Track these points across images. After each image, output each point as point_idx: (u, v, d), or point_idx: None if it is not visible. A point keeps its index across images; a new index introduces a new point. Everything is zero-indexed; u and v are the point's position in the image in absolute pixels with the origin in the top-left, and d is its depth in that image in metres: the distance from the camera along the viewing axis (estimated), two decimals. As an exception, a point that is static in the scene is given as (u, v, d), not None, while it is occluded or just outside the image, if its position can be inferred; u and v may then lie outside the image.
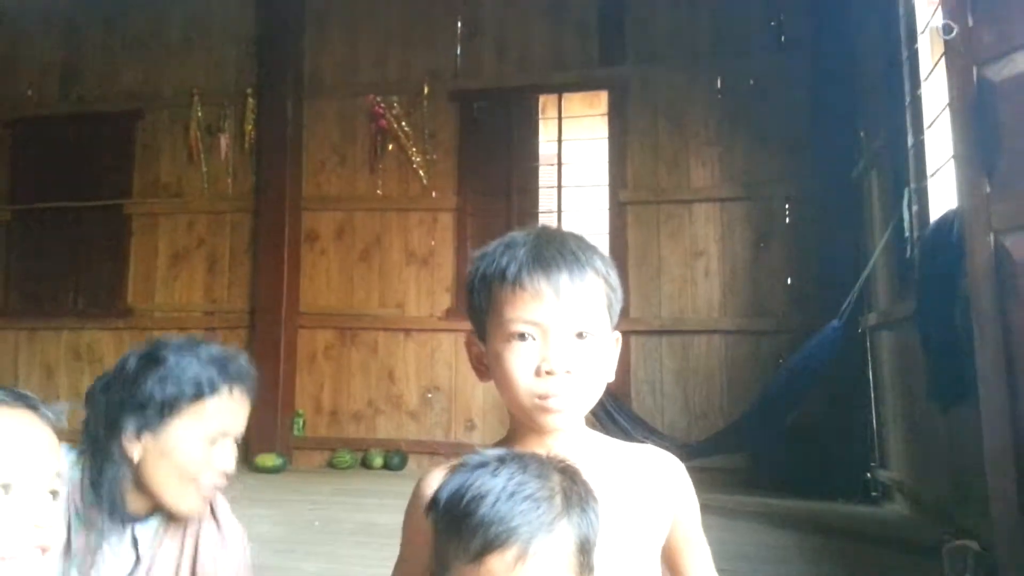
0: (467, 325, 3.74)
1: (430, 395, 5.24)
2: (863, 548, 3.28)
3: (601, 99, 5.74)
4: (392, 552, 2.70)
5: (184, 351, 1.32)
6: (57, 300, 5.85)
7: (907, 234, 3.53)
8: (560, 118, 5.41)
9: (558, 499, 0.82)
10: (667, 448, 1.12)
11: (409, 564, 1.08)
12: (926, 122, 3.44)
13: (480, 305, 1.04)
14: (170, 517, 1.34)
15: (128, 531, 1.33)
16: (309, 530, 3.28)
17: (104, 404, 1.31)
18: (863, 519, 3.77)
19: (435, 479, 1.00)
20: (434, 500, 0.86)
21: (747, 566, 2.93)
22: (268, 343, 5.29)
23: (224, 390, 1.32)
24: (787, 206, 4.88)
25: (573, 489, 0.85)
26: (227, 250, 5.67)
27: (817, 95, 4.71)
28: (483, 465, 0.84)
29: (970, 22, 2.09)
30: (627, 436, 3.60)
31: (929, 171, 3.40)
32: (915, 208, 3.49)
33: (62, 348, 5.79)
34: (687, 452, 3.99)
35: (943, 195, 3.27)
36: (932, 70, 3.37)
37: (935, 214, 3.23)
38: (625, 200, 5.09)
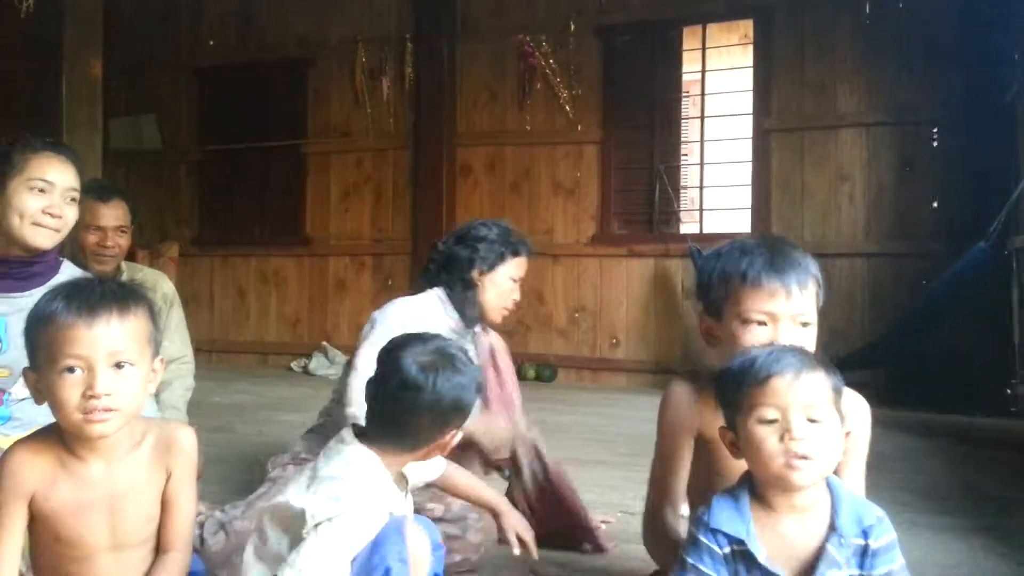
0: (610, 250, 4.36)
1: (577, 315, 5.69)
2: (1001, 454, 3.49)
3: (741, 28, 5.85)
4: (565, 443, 3.34)
5: (501, 226, 2.27)
6: (245, 230, 6.64)
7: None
8: (704, 48, 5.57)
9: (810, 358, 1.23)
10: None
11: (668, 456, 1.49)
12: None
13: (717, 293, 1.41)
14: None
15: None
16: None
17: (457, 254, 2.20)
18: (1002, 430, 3.94)
19: (676, 385, 1.50)
20: (726, 373, 1.27)
21: (888, 464, 3.21)
22: (430, 268, 5.85)
23: (523, 253, 2.27)
24: (935, 131, 4.91)
25: (817, 357, 1.25)
26: (390, 184, 6.25)
27: (968, 18, 4.68)
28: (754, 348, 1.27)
29: None
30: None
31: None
32: (1069, 131, 3.54)
33: (251, 272, 6.61)
34: (828, 366, 4.26)
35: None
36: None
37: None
38: (769, 128, 5.25)
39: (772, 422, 1.19)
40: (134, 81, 6.93)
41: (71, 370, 1.23)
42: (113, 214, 2.60)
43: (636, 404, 4.54)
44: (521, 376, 5.69)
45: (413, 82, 6.11)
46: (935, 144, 4.92)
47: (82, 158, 2.08)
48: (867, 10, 5.00)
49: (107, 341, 1.24)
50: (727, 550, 1.22)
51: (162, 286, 2.83)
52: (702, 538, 1.23)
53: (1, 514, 1.27)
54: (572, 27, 5.73)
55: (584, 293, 5.69)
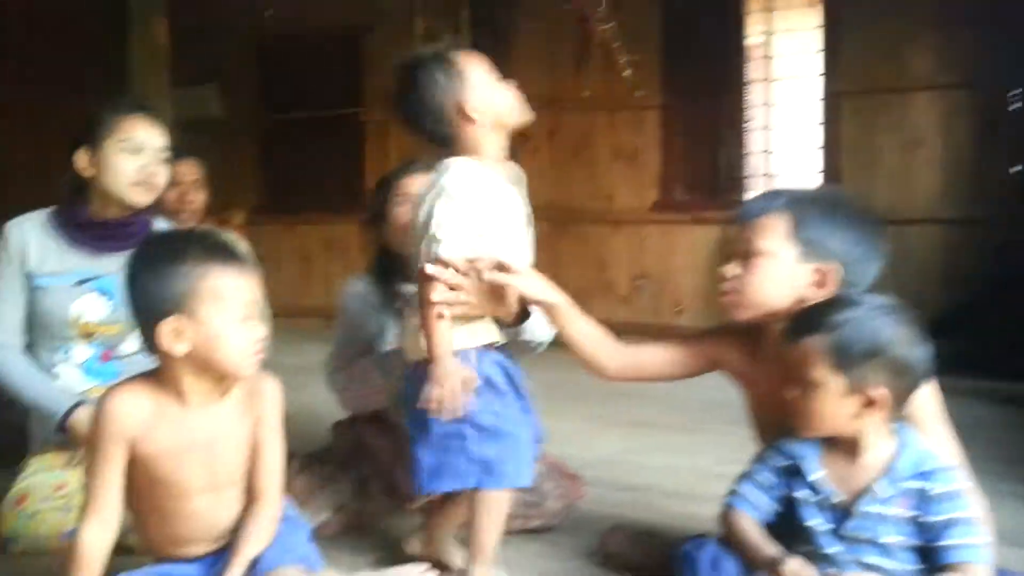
0: (674, 217, 4.23)
1: (639, 281, 5.66)
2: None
3: (808, -12, 5.67)
4: (631, 408, 3.26)
5: None
6: (310, 197, 6.72)
7: None
8: (768, 11, 5.42)
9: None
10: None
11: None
12: None
13: None
14: None
15: None
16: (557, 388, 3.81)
17: None
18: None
19: None
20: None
21: (966, 432, 3.13)
22: (491, 234, 5.87)
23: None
24: (1013, 93, 4.72)
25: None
26: (449, 151, 6.23)
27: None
28: None
29: None
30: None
31: None
32: None
33: (316, 240, 6.70)
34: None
35: None
36: None
37: None
38: (839, 91, 5.11)
39: None
40: (195, 51, 6.97)
41: (246, 317, 1.37)
42: (188, 171, 2.72)
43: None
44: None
45: (470, 48, 6.05)
46: (1014, 107, 4.73)
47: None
48: (941, -33, 4.82)
49: (259, 293, 1.42)
50: (784, 464, 1.48)
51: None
52: (765, 454, 1.54)
53: (102, 457, 1.33)
54: (630, -10, 5.61)
55: (647, 260, 5.65)
